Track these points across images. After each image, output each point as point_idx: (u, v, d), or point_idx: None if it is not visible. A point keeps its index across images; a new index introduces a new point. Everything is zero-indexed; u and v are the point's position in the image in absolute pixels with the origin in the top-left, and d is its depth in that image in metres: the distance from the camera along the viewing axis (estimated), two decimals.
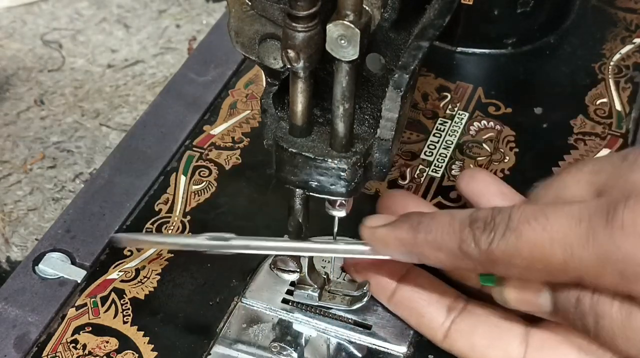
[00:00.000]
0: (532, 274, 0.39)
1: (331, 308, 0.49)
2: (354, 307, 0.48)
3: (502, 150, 0.59)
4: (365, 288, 0.48)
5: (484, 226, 0.39)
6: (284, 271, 0.47)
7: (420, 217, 0.42)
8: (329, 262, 0.51)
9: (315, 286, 0.48)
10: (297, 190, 0.43)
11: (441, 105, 0.62)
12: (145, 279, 0.51)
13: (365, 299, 0.48)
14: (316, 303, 0.49)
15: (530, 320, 0.44)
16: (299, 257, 0.47)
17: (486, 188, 0.49)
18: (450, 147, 0.59)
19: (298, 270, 0.47)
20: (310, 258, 0.47)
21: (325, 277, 0.49)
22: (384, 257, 0.44)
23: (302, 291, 0.48)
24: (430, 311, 0.46)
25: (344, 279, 0.50)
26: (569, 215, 0.37)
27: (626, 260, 0.36)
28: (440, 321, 0.45)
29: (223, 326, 0.49)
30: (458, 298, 0.46)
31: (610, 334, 0.38)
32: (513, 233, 0.38)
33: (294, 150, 0.41)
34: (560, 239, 0.37)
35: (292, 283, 0.49)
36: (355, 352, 0.48)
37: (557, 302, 0.40)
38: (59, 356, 0.48)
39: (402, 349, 0.48)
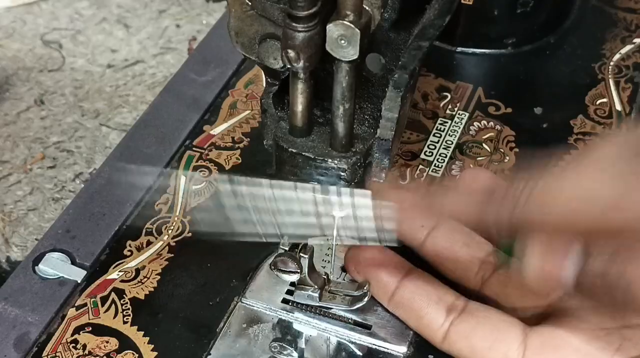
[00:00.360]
0: (577, 218, 0.37)
1: (331, 308, 0.49)
2: (355, 307, 0.48)
3: (502, 150, 0.59)
4: (365, 288, 0.48)
5: (509, 196, 0.38)
6: (284, 272, 0.47)
7: (440, 187, 0.41)
8: (328, 262, 0.51)
9: (316, 286, 0.48)
10: None
11: (441, 105, 0.62)
12: (145, 279, 0.51)
13: (366, 299, 0.48)
14: (317, 304, 0.49)
15: (529, 323, 0.44)
16: (299, 257, 0.47)
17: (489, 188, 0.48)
18: (450, 147, 0.59)
19: (298, 270, 0.47)
20: (311, 259, 0.47)
21: (325, 277, 0.49)
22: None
23: (303, 292, 0.48)
24: (430, 312, 0.46)
25: (344, 279, 0.50)
26: (600, 169, 0.36)
27: None
28: (439, 322, 0.45)
29: (223, 326, 0.49)
30: (458, 299, 0.46)
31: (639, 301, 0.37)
32: (541, 198, 0.37)
33: (294, 150, 0.41)
34: (596, 196, 0.35)
35: (292, 284, 0.49)
36: (355, 352, 0.48)
37: (584, 276, 0.38)
38: (59, 356, 0.48)
39: (402, 349, 0.48)
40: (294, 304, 0.49)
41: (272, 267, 0.47)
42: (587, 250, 0.38)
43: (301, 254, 0.46)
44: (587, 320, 0.43)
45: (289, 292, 0.50)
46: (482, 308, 0.45)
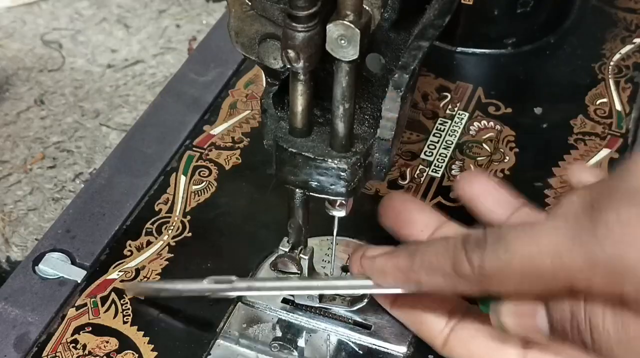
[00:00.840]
0: (525, 287, 0.39)
1: (332, 309, 0.49)
2: (355, 308, 0.48)
3: (502, 150, 0.59)
4: None
5: (476, 244, 0.39)
6: (284, 273, 0.47)
7: (417, 244, 0.43)
8: (328, 262, 0.51)
9: None
10: (297, 192, 0.43)
11: (441, 105, 0.62)
12: (145, 279, 0.51)
13: (366, 300, 0.48)
14: (317, 305, 0.49)
15: None
16: (300, 258, 0.47)
17: (484, 193, 0.49)
18: (450, 147, 0.59)
19: (298, 272, 0.47)
20: (311, 260, 0.47)
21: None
22: (384, 291, 0.44)
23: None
24: (431, 317, 0.46)
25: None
26: (555, 222, 0.37)
27: (612, 260, 0.35)
28: (439, 328, 0.46)
29: (223, 326, 0.49)
30: (459, 305, 0.46)
31: (607, 346, 0.38)
32: (502, 247, 0.38)
33: (294, 150, 0.41)
34: (548, 247, 0.37)
35: None
36: (355, 352, 0.48)
37: (553, 320, 0.40)
38: (59, 356, 0.48)
39: (402, 349, 0.48)
40: (294, 304, 0.49)
41: (272, 268, 0.47)
42: (549, 298, 0.40)
43: (301, 255, 0.46)
44: None
45: None
46: (483, 315, 0.45)
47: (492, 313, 0.41)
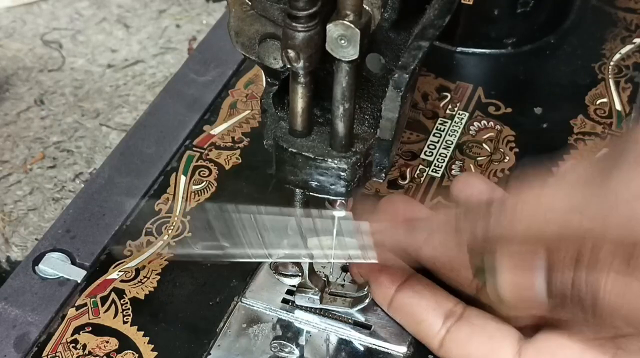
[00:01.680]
0: (530, 253, 0.39)
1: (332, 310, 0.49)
2: (356, 309, 0.48)
3: (502, 150, 0.59)
4: (366, 289, 0.48)
5: (481, 213, 0.39)
6: (284, 275, 0.47)
7: (416, 220, 0.42)
8: (328, 262, 0.51)
9: (316, 289, 0.48)
10: (297, 192, 0.43)
11: (441, 105, 0.62)
12: (145, 279, 0.51)
13: (367, 301, 0.48)
14: (318, 306, 0.49)
15: (523, 333, 0.44)
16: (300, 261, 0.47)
17: (479, 194, 0.49)
18: (450, 147, 0.59)
19: (299, 274, 0.47)
20: (311, 263, 0.47)
21: (325, 279, 0.49)
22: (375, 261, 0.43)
23: (304, 295, 0.48)
24: (428, 318, 0.46)
25: (344, 280, 0.50)
26: (565, 185, 0.37)
27: (628, 211, 0.35)
28: (436, 329, 0.46)
29: (223, 326, 0.49)
30: (456, 305, 0.46)
31: (608, 310, 0.37)
32: (508, 213, 0.38)
33: (294, 150, 0.41)
34: (560, 206, 0.37)
35: (293, 287, 0.49)
36: (355, 352, 0.48)
37: (553, 287, 0.39)
38: (59, 356, 0.48)
39: (402, 349, 0.48)
40: (294, 304, 0.49)
41: (273, 271, 0.47)
42: (551, 264, 0.39)
43: None
44: (581, 330, 0.43)
45: (289, 292, 0.50)
46: (480, 316, 0.45)
47: (489, 285, 0.41)
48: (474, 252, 0.41)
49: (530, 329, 0.45)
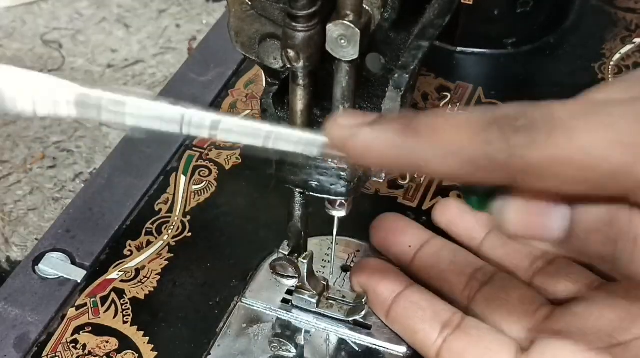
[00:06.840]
0: (573, 187, 0.30)
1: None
2: (351, 318, 0.48)
3: None
4: (364, 300, 0.48)
5: (520, 124, 0.29)
6: (283, 276, 0.47)
7: (415, 115, 0.31)
8: (328, 262, 0.51)
9: (314, 292, 0.48)
10: (297, 194, 0.43)
11: (441, 105, 0.62)
12: (145, 279, 0.51)
13: (363, 312, 0.48)
14: (314, 310, 0.49)
15: (522, 344, 0.44)
16: (298, 262, 0.46)
17: (456, 219, 0.51)
18: None
19: (296, 275, 0.47)
20: (310, 264, 0.47)
21: (324, 283, 0.49)
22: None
23: (302, 296, 0.48)
24: (424, 328, 0.46)
25: (344, 280, 0.50)
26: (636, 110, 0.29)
27: None
28: (433, 339, 0.45)
29: (223, 326, 0.49)
30: (454, 315, 0.46)
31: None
32: (563, 134, 0.29)
33: None
34: (624, 139, 0.29)
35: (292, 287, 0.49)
36: (355, 352, 0.48)
37: (581, 225, 0.32)
38: (59, 356, 0.48)
39: (402, 349, 0.48)
40: (294, 304, 0.49)
41: (271, 271, 0.47)
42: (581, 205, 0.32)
43: (300, 259, 0.46)
44: (576, 341, 0.43)
45: (289, 292, 0.50)
46: (478, 327, 0.45)
47: (493, 209, 0.33)
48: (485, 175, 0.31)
49: (522, 342, 0.45)
